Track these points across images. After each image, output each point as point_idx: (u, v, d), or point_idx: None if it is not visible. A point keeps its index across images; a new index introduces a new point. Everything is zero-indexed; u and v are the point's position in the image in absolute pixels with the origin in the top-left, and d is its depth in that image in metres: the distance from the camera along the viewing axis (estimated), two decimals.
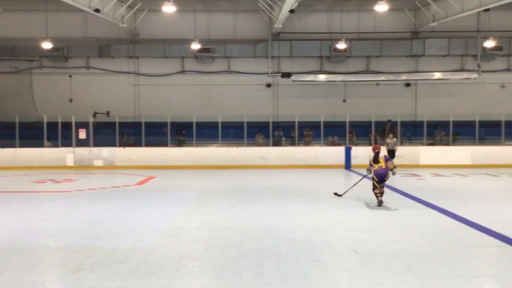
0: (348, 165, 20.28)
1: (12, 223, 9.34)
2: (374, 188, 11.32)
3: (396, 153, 19.04)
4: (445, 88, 23.64)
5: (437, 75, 22.93)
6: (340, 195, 12.33)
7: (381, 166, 11.17)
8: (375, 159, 11.29)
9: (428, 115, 21.96)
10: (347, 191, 12.45)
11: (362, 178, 12.45)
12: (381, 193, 11.26)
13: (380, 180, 11.18)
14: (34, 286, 5.76)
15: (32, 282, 5.88)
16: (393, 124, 21.74)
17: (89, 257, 6.89)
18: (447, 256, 6.95)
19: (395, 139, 19.44)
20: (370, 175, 11.51)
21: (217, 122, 21.35)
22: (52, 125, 20.90)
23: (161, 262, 6.67)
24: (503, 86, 23.84)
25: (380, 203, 11.11)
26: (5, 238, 8.11)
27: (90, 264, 6.58)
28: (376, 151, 11.39)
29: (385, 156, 11.51)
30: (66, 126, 20.96)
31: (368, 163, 11.73)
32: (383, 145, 18.51)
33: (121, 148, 21.16)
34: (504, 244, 7.68)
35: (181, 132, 22.33)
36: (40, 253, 7.16)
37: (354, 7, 23.04)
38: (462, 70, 23.50)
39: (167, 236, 8.24)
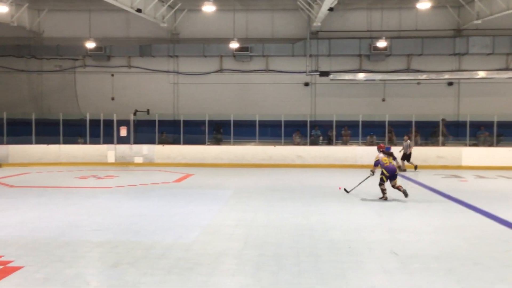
0: None
1: (55, 218, 9.60)
2: (381, 183, 11.70)
3: (437, 154, 18.60)
4: (489, 87, 22.87)
5: (481, 74, 22.16)
6: (348, 191, 12.62)
7: (392, 162, 11.75)
8: (390, 155, 11.76)
9: (471, 115, 21.28)
10: (354, 188, 12.64)
11: (368, 177, 12.47)
12: (400, 186, 11.61)
13: (390, 176, 11.56)
14: (76, 280, 5.90)
15: (74, 276, 6.03)
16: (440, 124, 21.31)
17: (129, 252, 7.02)
18: (491, 260, 6.75)
19: (410, 141, 19.01)
20: (373, 176, 12.05)
21: (255, 121, 21.40)
22: (95, 123, 21.50)
23: (199, 258, 6.73)
24: None
25: (385, 199, 11.64)
26: (49, 232, 8.35)
27: (131, 259, 6.71)
28: (381, 150, 11.90)
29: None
30: (108, 123, 21.49)
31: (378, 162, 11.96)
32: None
33: (160, 146, 21.51)
34: None
35: (219, 130, 22.53)
36: (82, 247, 7.35)
37: (395, 4, 22.63)
38: (507, 69, 22.68)
39: (205, 233, 8.31)
